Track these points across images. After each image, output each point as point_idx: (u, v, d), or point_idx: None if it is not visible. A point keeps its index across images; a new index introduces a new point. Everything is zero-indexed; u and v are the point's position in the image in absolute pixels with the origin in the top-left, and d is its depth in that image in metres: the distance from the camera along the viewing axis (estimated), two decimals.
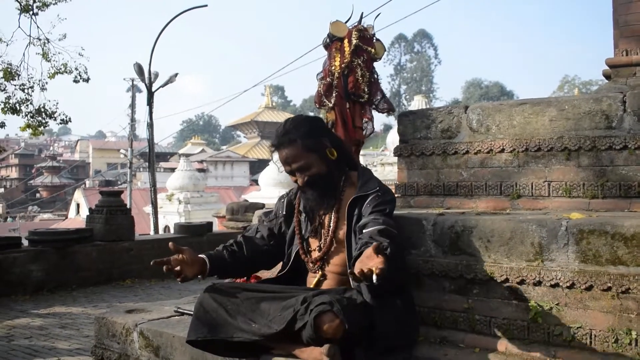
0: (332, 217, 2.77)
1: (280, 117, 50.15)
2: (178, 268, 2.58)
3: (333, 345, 2.32)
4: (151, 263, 2.62)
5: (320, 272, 2.79)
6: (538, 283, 2.55)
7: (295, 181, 2.80)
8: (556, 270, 2.51)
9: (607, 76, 4.40)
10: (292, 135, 2.72)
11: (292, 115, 2.95)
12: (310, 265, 2.83)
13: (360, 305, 2.47)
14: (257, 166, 41.45)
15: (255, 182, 29.66)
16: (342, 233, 2.72)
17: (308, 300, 2.39)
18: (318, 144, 2.73)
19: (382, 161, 22.82)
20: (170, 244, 2.65)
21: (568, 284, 2.47)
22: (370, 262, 2.17)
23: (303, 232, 2.87)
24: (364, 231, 2.54)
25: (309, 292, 2.56)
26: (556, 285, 2.51)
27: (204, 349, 2.72)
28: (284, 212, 2.94)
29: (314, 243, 2.84)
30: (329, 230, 2.77)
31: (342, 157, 2.84)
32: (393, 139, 19.99)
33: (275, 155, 2.80)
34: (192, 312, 3.28)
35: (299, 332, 2.40)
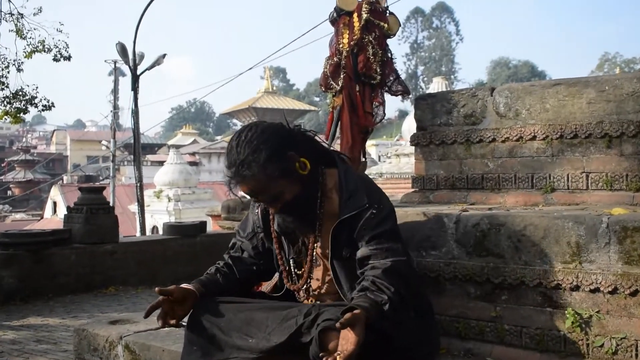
0: (315, 237, 2.64)
1: (282, 103, 50.22)
2: (173, 322, 2.55)
3: None
4: (143, 317, 2.58)
5: (312, 300, 2.71)
6: (576, 288, 2.54)
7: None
8: (596, 273, 2.50)
9: None
10: (251, 167, 2.45)
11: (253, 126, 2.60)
12: (299, 293, 2.75)
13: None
14: None
15: None
16: (327, 254, 2.61)
17: (314, 313, 2.37)
18: (285, 165, 2.50)
19: (396, 152, 22.81)
20: (156, 289, 2.55)
21: (610, 289, 2.46)
22: (344, 343, 2.16)
23: (286, 254, 2.76)
24: (367, 264, 2.45)
25: (304, 305, 2.55)
26: (596, 290, 2.50)
27: None
28: (261, 226, 2.80)
29: (300, 265, 2.74)
30: (313, 251, 2.67)
31: (316, 162, 2.63)
32: (409, 126, 19.95)
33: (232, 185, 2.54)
34: (183, 323, 3.29)
35: (303, 347, 2.39)
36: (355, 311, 2.17)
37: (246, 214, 2.97)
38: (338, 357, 2.12)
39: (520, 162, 3.38)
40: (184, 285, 2.64)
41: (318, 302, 2.66)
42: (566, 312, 2.57)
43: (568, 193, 3.22)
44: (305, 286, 2.70)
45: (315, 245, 2.65)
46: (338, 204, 2.58)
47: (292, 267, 2.75)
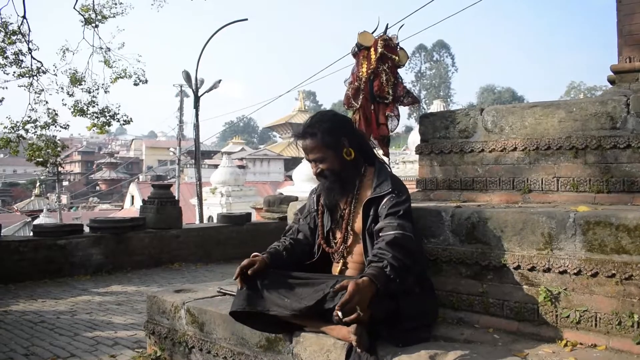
0: (351, 211, 2.75)
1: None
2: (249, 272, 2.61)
3: (360, 325, 2.32)
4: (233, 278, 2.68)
5: (342, 262, 2.79)
6: (547, 270, 2.51)
7: (313, 169, 2.81)
8: (564, 258, 2.47)
9: (611, 82, 4.30)
10: (314, 128, 2.71)
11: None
12: (334, 255, 2.82)
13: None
14: (291, 163, 41.50)
15: (290, 177, 29.76)
16: (358, 227, 2.70)
17: (338, 284, 2.39)
18: (336, 143, 2.70)
19: (403, 159, 22.73)
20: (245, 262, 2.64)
21: (575, 271, 2.43)
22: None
23: (325, 224, 2.85)
24: (380, 235, 2.51)
25: (337, 278, 2.56)
26: (564, 272, 2.47)
27: (244, 322, 2.74)
28: (316, 207, 2.92)
29: (336, 235, 2.82)
30: (348, 223, 2.76)
31: (360, 156, 2.79)
32: (414, 139, 19.83)
33: (299, 144, 2.79)
34: (232, 293, 3.32)
35: (327, 312, 2.40)
36: (344, 282, 2.25)
37: (303, 204, 3.11)
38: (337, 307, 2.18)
39: (504, 168, 3.35)
40: (260, 256, 2.70)
41: (346, 267, 2.76)
42: (539, 289, 2.54)
43: (542, 193, 3.18)
44: (339, 249, 2.77)
45: (350, 219, 2.74)
46: (371, 190, 2.68)
47: (329, 235, 2.83)
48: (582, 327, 2.43)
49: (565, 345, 2.41)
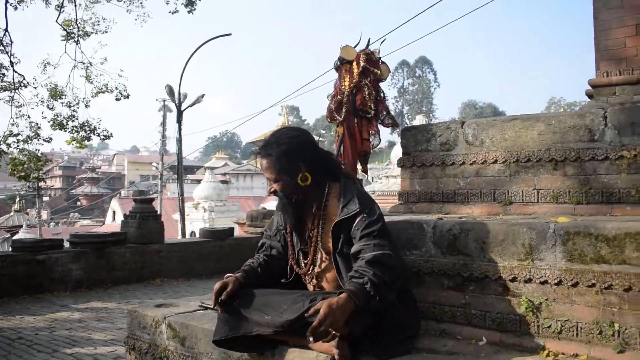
0: (319, 232, 2.68)
1: None
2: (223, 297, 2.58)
3: (342, 339, 2.30)
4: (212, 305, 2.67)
5: (314, 282, 2.73)
6: (529, 280, 2.52)
7: None
8: (545, 268, 2.48)
9: (589, 95, 4.38)
10: (270, 149, 2.62)
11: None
12: (304, 277, 2.77)
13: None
14: None
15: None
16: (328, 249, 2.63)
17: (318, 299, 2.37)
18: (291, 167, 2.60)
19: (386, 174, 22.88)
20: (216, 286, 2.62)
21: (556, 281, 2.44)
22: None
23: (295, 244, 2.78)
24: (358, 256, 2.45)
25: (317, 293, 2.55)
26: (545, 282, 2.48)
27: (228, 347, 2.70)
28: (284, 225, 2.83)
29: (306, 255, 2.75)
30: (317, 244, 2.69)
31: (322, 178, 2.68)
32: (396, 153, 19.96)
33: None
34: (214, 307, 3.28)
35: (309, 326, 2.38)
36: (317, 305, 2.23)
37: (272, 218, 3.00)
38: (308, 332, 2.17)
39: (485, 180, 3.37)
40: (233, 276, 2.66)
41: (321, 290, 2.67)
42: (521, 299, 2.55)
43: (522, 205, 3.21)
44: (309, 271, 2.71)
45: (319, 239, 2.68)
46: (339, 210, 2.59)
47: (300, 256, 2.77)
48: (564, 337, 2.44)
49: (547, 355, 2.41)
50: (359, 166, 3.45)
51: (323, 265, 2.69)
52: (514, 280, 2.57)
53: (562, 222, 2.56)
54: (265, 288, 2.64)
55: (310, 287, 2.74)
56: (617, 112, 3.01)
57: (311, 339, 2.13)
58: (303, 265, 2.75)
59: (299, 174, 2.61)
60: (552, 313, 2.48)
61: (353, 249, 2.49)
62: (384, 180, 22.24)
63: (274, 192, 2.69)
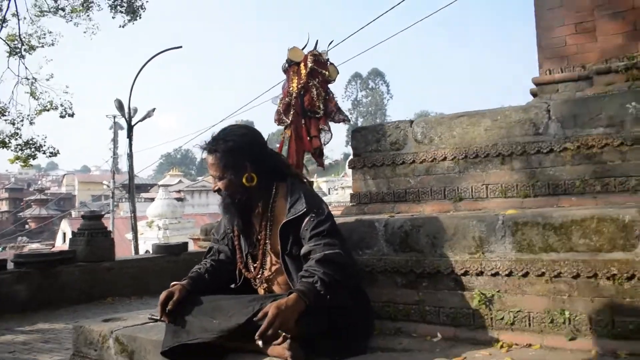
0: (267, 234, 2.61)
1: None
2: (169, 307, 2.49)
3: (294, 340, 2.24)
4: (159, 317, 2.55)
5: (264, 286, 2.65)
6: (480, 273, 2.52)
7: None
8: (495, 260, 2.49)
9: (534, 94, 4.49)
10: (216, 145, 2.54)
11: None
12: (254, 281, 2.68)
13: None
14: None
15: None
16: (277, 251, 2.56)
17: (268, 302, 2.30)
18: (236, 165, 2.53)
19: (342, 185, 23.03)
20: (162, 296, 2.53)
21: (507, 272, 2.45)
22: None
23: (243, 248, 2.70)
24: (308, 258, 2.38)
25: (266, 296, 2.48)
26: (496, 274, 2.49)
27: (176, 358, 2.59)
28: (231, 228, 2.74)
29: (255, 258, 2.67)
30: (265, 247, 2.62)
31: (268, 178, 2.61)
32: None
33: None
34: (154, 317, 3.16)
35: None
36: (266, 308, 2.16)
37: (218, 223, 2.92)
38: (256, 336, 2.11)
39: (435, 178, 3.38)
40: (179, 284, 2.56)
41: (271, 293, 2.59)
42: (473, 293, 2.55)
43: (472, 201, 3.23)
44: (259, 275, 2.63)
45: (267, 241, 2.60)
46: (286, 210, 2.53)
47: (248, 259, 2.68)
48: (517, 327, 2.44)
49: (502, 347, 2.41)
50: (309, 167, 3.41)
51: (273, 268, 2.61)
52: (465, 274, 2.56)
53: (510, 213, 2.57)
54: (214, 294, 2.55)
55: (261, 291, 2.66)
56: (559, 105, 3.07)
57: (260, 342, 2.06)
58: (252, 269, 2.67)
59: (245, 174, 2.53)
60: (505, 305, 2.49)
61: (303, 250, 2.43)
62: (339, 192, 22.38)
63: (218, 191, 2.59)
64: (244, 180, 2.53)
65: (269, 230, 2.60)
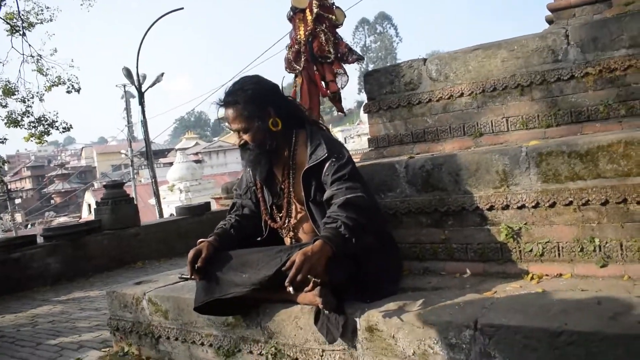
0: (290, 183, 2.58)
1: None
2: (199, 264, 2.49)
3: (324, 287, 2.24)
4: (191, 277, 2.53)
5: (291, 235, 2.65)
6: (506, 207, 2.49)
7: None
8: (521, 192, 2.45)
9: (549, 21, 4.33)
10: (236, 96, 2.47)
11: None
12: (281, 230, 2.69)
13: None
14: None
15: None
16: (301, 198, 2.54)
17: (294, 252, 2.30)
18: (260, 112, 2.47)
19: (358, 133, 22.84)
20: (190, 253, 2.51)
21: (533, 204, 2.42)
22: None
23: (267, 199, 2.69)
24: (331, 202, 2.36)
25: (292, 246, 2.48)
26: (522, 206, 2.45)
27: (210, 313, 2.64)
28: (254, 181, 2.73)
29: (280, 208, 2.66)
30: (289, 195, 2.60)
31: (289, 124, 2.58)
32: None
33: (221, 111, 2.55)
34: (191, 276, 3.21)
35: None
36: (293, 257, 2.12)
37: (240, 178, 2.90)
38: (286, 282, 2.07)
39: (453, 115, 3.31)
40: (206, 241, 2.56)
41: (298, 242, 2.60)
42: (500, 227, 2.52)
43: (493, 135, 3.17)
44: (285, 224, 2.63)
45: (290, 190, 2.59)
46: (307, 157, 2.50)
47: (273, 210, 2.68)
48: (546, 258, 2.42)
49: (532, 278, 2.40)
50: (333, 110, 3.36)
51: (298, 216, 2.61)
52: (491, 208, 2.53)
53: (533, 144, 2.52)
54: (241, 249, 2.56)
55: (287, 241, 2.67)
56: (578, 29, 2.95)
57: (290, 289, 2.06)
58: (278, 219, 2.66)
59: (270, 119, 2.49)
60: (533, 237, 2.46)
61: (325, 195, 2.41)
62: (356, 139, 22.24)
63: (243, 146, 2.55)
64: (270, 125, 2.49)
65: (292, 178, 2.58)
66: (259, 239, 2.74)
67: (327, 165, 2.42)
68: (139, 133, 29.82)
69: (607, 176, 2.29)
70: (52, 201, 53.04)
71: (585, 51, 2.93)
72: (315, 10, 3.43)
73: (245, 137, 2.51)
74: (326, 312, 2.28)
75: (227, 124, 2.56)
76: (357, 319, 2.25)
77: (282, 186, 2.62)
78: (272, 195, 2.67)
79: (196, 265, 2.49)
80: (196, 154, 43.47)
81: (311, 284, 2.09)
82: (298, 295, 2.43)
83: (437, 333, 2.02)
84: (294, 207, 2.61)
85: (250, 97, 2.46)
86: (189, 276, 2.56)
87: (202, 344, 2.88)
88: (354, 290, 2.37)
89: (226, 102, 2.50)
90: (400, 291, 2.49)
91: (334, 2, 3.58)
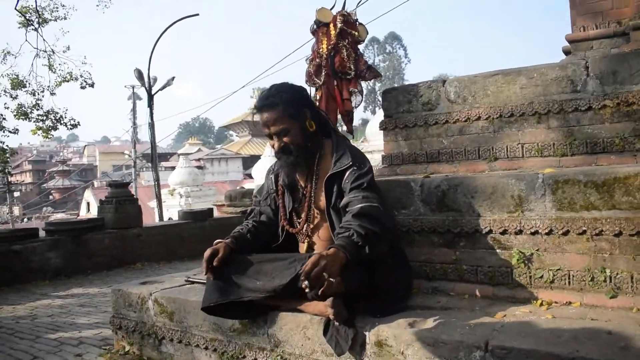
0: (312, 188, 2.64)
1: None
2: (215, 263, 2.50)
3: (337, 298, 2.26)
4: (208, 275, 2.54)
5: (307, 241, 2.68)
6: (519, 232, 2.52)
7: (272, 146, 2.65)
8: (535, 219, 2.47)
9: (566, 52, 4.38)
10: (275, 99, 2.56)
11: None
12: (298, 236, 2.73)
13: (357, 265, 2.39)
14: (250, 161, 41.11)
15: (249, 175, 29.51)
16: (322, 204, 2.60)
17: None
18: (299, 113, 2.57)
19: (362, 150, 22.87)
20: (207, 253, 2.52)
21: (546, 231, 2.44)
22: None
23: (287, 205, 2.74)
24: (347, 210, 2.43)
25: (307, 254, 2.50)
26: (536, 232, 2.48)
27: (218, 314, 2.65)
28: (275, 188, 2.80)
29: (300, 214, 2.71)
30: (310, 201, 2.65)
31: (320, 129, 2.68)
32: (371, 130, 19.97)
33: (257, 117, 2.64)
34: (201, 281, 3.22)
35: (302, 289, 2.34)
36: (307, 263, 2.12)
37: (261, 185, 2.96)
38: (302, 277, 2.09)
39: (469, 138, 3.34)
40: (223, 242, 2.58)
41: (313, 250, 2.62)
42: (512, 252, 2.54)
43: (508, 161, 3.20)
44: (303, 229, 2.67)
45: (312, 196, 2.63)
46: (332, 164, 2.57)
47: (292, 215, 2.72)
48: (556, 286, 2.44)
49: (541, 305, 2.41)
50: (343, 127, 3.39)
51: (317, 222, 2.66)
52: (504, 232, 2.56)
53: (550, 172, 2.55)
54: (255, 254, 2.58)
55: (304, 246, 2.69)
56: (598, 61, 2.99)
57: (306, 282, 2.06)
58: (297, 224, 2.71)
59: (307, 120, 2.59)
60: (544, 263, 2.48)
61: (342, 202, 2.48)
62: None
63: (284, 148, 2.58)
64: (307, 126, 2.59)
65: (315, 184, 2.64)
66: (273, 245, 2.77)
67: (348, 172, 2.50)
68: (142, 135, 29.91)
69: (622, 208, 2.31)
70: (51, 197, 52.94)
71: (604, 83, 2.97)
72: (339, 25, 3.47)
73: (286, 139, 2.57)
74: (336, 323, 2.30)
75: (265, 129, 2.61)
76: (366, 333, 2.27)
77: (304, 192, 2.68)
78: (294, 200, 2.72)
79: (212, 264, 2.50)
80: (198, 160, 43.46)
81: (326, 284, 2.09)
82: (308, 305, 2.45)
83: (448, 352, 2.03)
84: (313, 212, 2.66)
85: (288, 99, 2.56)
86: (198, 279, 2.57)
87: (207, 348, 2.88)
88: (364, 304, 2.39)
89: (264, 105, 2.57)
90: (409, 309, 2.51)
91: (357, 19, 3.63)
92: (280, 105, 2.54)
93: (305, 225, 2.67)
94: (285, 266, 2.39)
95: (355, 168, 2.50)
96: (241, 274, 2.46)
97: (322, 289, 2.10)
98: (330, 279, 2.08)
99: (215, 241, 2.60)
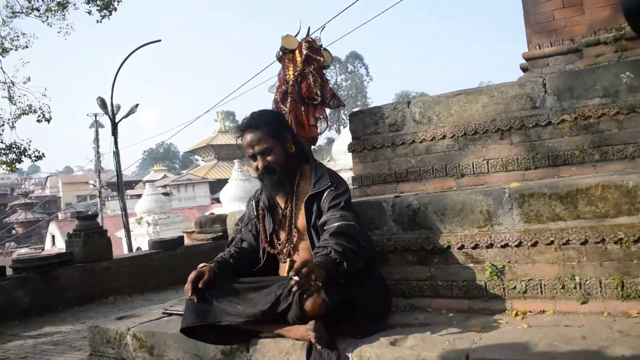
0: (293, 209, 2.73)
1: (234, 139, 49.50)
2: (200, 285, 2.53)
3: (318, 321, 2.30)
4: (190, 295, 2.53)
5: (289, 261, 2.73)
6: (490, 245, 2.60)
7: (256, 168, 2.74)
8: (504, 232, 2.56)
9: (524, 69, 4.55)
10: (258, 121, 2.72)
11: None
12: (279, 256, 2.78)
13: (337, 282, 2.44)
14: (217, 185, 40.82)
15: (216, 200, 29.29)
16: (302, 224, 2.68)
17: (289, 285, 2.35)
18: (280, 134, 2.72)
19: None
20: (191, 276, 2.54)
21: (516, 243, 2.53)
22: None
23: (267, 227, 2.80)
24: (324, 228, 2.52)
25: (286, 278, 2.53)
26: (506, 245, 2.56)
27: (197, 337, 2.65)
28: (256, 213, 2.87)
29: (280, 235, 2.78)
30: (291, 222, 2.74)
31: (299, 152, 2.81)
32: (337, 149, 20.12)
33: (240, 140, 2.75)
34: (179, 312, 3.20)
35: (282, 314, 2.37)
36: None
37: (243, 213, 3.03)
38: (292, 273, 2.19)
39: (435, 156, 3.44)
40: (207, 265, 2.62)
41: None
42: (485, 265, 2.62)
43: (474, 177, 3.30)
44: (284, 249, 2.71)
45: (292, 216, 2.71)
46: (311, 187, 2.67)
47: (273, 237, 2.78)
48: (529, 295, 2.52)
49: (516, 315, 2.49)
50: None
51: (297, 242, 2.72)
52: (476, 247, 2.63)
53: (515, 186, 2.64)
54: (238, 278, 2.62)
55: (285, 266, 2.72)
56: (555, 78, 3.13)
57: (295, 278, 2.15)
58: (277, 245, 2.77)
59: (287, 142, 2.73)
60: (516, 274, 2.56)
61: (321, 221, 2.57)
62: None
63: (267, 167, 2.68)
64: (288, 147, 2.72)
65: (295, 205, 2.72)
66: (254, 269, 2.79)
67: (326, 193, 2.61)
68: (106, 164, 29.47)
69: (586, 217, 2.42)
70: (14, 231, 51.47)
71: (562, 99, 3.11)
72: (304, 51, 3.54)
73: (269, 158, 2.68)
74: (318, 347, 2.32)
75: (249, 149, 2.71)
76: (349, 354, 2.30)
77: (284, 212, 2.75)
78: (274, 222, 2.78)
79: (197, 287, 2.51)
80: (164, 186, 42.97)
81: (313, 286, 2.19)
82: (289, 329, 2.47)
83: None
84: (293, 232, 2.72)
85: (270, 121, 2.73)
86: (175, 311, 2.57)
87: None
88: (345, 326, 2.43)
89: (248, 127, 2.71)
90: (389, 327, 2.55)
91: (321, 45, 3.71)
92: (263, 126, 2.69)
93: (286, 245, 2.73)
94: (267, 292, 2.42)
95: (332, 188, 2.61)
96: (222, 298, 2.49)
97: (308, 297, 2.22)
98: (317, 282, 2.17)
99: (199, 265, 2.62)
